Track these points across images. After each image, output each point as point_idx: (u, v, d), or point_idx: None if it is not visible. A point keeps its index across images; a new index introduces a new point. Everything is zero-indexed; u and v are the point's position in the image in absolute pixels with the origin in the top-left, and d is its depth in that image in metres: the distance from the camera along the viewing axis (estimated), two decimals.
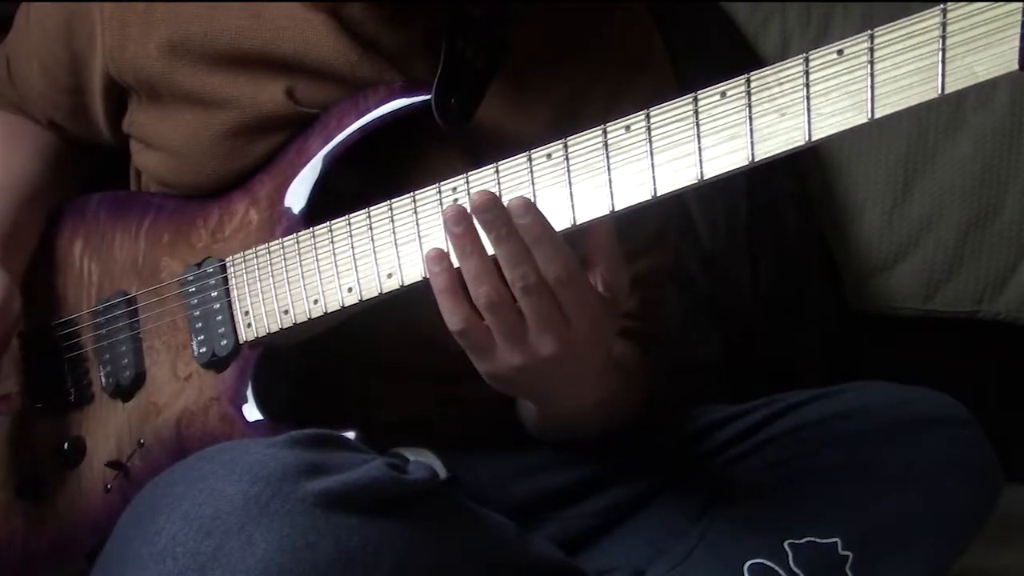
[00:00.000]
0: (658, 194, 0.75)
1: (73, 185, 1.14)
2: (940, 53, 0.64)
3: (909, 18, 0.65)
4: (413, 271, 0.84)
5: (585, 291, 0.77)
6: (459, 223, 0.76)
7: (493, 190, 0.79)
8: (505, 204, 0.76)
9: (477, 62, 0.93)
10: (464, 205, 0.78)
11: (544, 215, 0.76)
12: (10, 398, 1.05)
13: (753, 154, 0.71)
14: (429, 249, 0.78)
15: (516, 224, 0.75)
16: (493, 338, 0.78)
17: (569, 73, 1.00)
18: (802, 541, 0.93)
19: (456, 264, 0.78)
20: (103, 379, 1.01)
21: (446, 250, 0.79)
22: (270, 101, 0.95)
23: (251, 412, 0.93)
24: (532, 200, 0.76)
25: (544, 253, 0.75)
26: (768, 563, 0.93)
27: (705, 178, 0.73)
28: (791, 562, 0.92)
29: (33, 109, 1.13)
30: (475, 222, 0.76)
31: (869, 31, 0.66)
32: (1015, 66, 0.62)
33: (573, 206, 0.77)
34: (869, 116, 0.67)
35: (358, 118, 0.93)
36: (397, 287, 0.85)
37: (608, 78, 1.01)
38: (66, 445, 1.02)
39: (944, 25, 0.64)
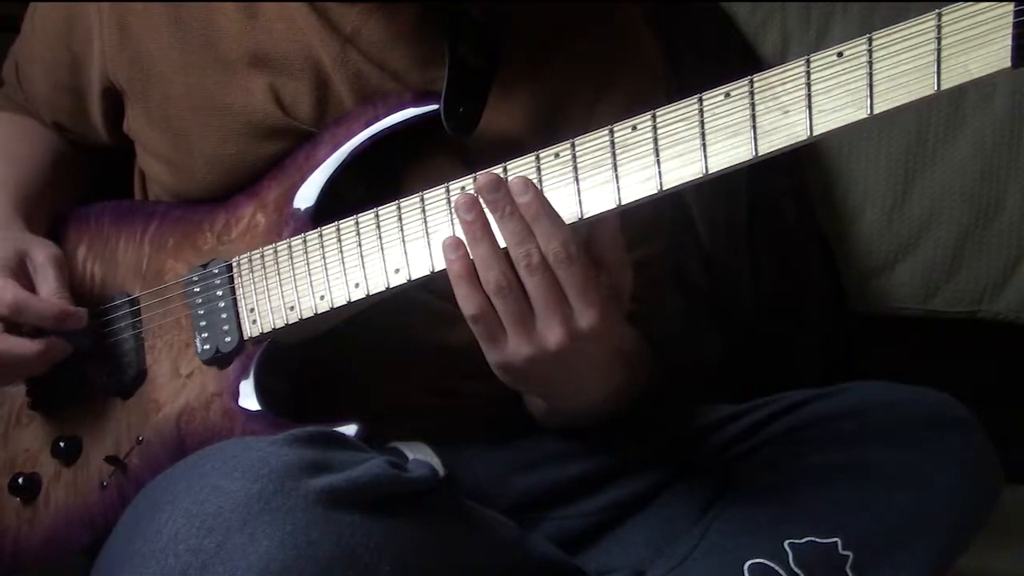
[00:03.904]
0: (664, 188, 0.76)
1: (76, 185, 1.15)
2: (936, 54, 0.66)
3: (905, 23, 0.67)
4: (421, 266, 0.85)
5: (585, 273, 0.78)
6: (470, 210, 0.79)
7: None
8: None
9: (479, 66, 0.93)
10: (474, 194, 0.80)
11: (542, 193, 0.78)
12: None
13: (756, 148, 0.72)
14: (446, 237, 0.81)
15: (517, 203, 0.77)
16: (503, 326, 0.80)
17: (553, 71, 1.00)
18: (802, 541, 0.93)
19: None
20: (103, 377, 1.01)
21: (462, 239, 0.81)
22: (260, 109, 0.96)
23: (252, 405, 0.93)
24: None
25: (543, 229, 0.77)
26: (768, 563, 0.93)
27: (710, 172, 0.74)
28: (791, 562, 0.92)
29: (40, 111, 1.14)
30: (484, 209, 0.79)
31: (868, 35, 0.68)
32: (1008, 64, 0.64)
33: (580, 201, 0.79)
34: (869, 112, 0.69)
35: (367, 126, 0.94)
36: (404, 282, 0.86)
37: (592, 75, 1.01)
38: (62, 444, 1.02)
39: (939, 28, 0.66)
